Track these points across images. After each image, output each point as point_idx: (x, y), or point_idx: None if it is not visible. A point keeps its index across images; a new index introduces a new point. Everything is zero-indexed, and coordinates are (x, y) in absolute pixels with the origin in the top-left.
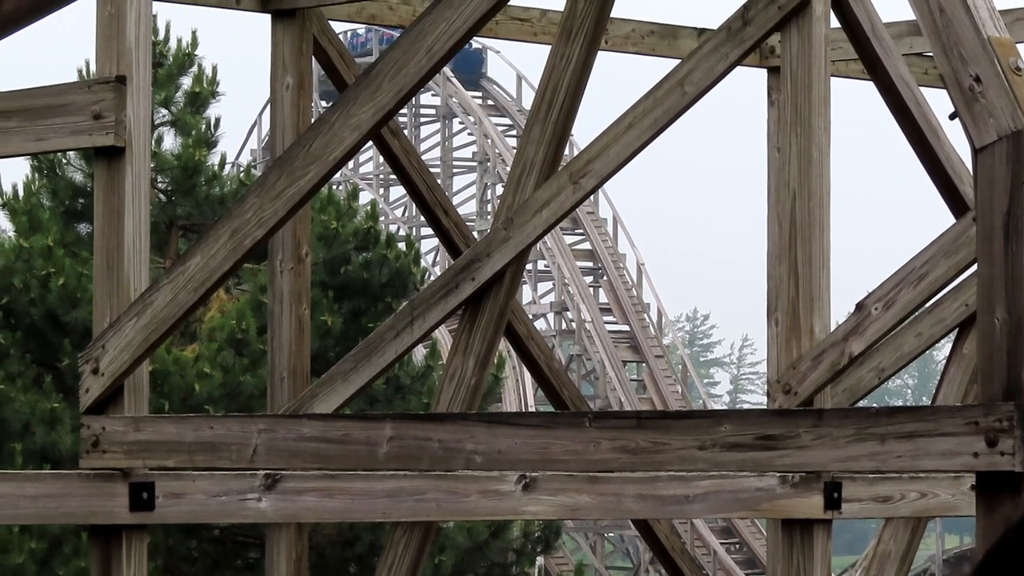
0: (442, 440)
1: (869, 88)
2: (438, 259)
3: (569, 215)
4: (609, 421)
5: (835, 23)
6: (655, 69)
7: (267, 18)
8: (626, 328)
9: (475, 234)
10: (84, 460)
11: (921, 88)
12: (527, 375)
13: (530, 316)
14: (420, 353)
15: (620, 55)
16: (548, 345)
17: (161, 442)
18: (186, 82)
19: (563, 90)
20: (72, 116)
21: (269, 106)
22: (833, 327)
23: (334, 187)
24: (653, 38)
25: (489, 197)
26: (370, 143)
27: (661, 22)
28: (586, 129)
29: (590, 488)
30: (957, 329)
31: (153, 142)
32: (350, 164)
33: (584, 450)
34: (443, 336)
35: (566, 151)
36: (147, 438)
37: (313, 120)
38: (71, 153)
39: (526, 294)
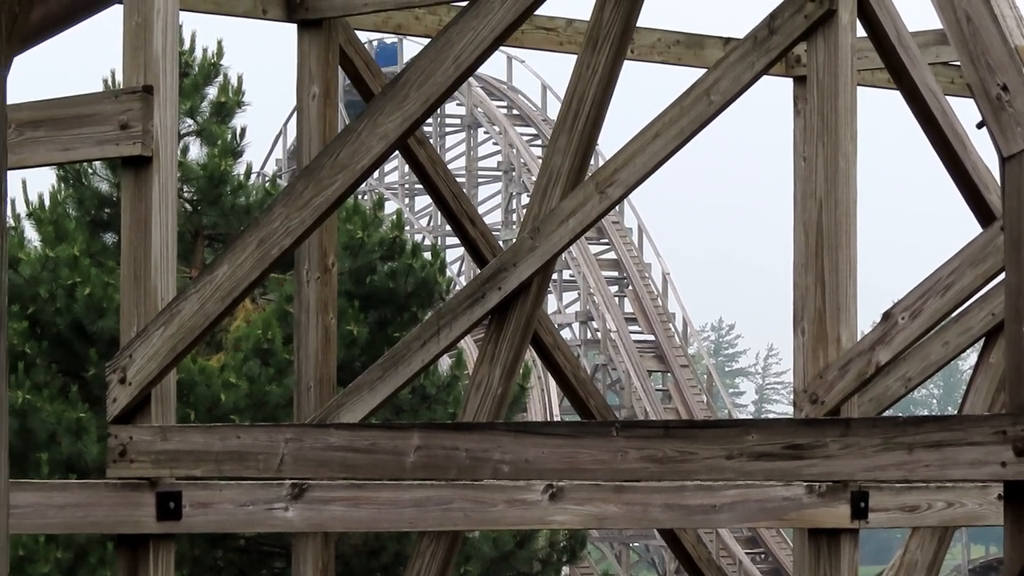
0: (469, 449)
1: (895, 97)
2: (463, 268)
3: (595, 225)
4: (636, 430)
5: (861, 32)
6: (680, 79)
7: (293, 28)
8: (651, 338)
9: (501, 243)
10: (111, 469)
11: (947, 97)
12: (552, 385)
13: (555, 326)
14: (446, 363)
15: (645, 65)
16: (574, 355)
17: (188, 451)
18: (212, 92)
19: (589, 99)
20: (99, 126)
21: (295, 115)
22: (860, 336)
23: (360, 197)
24: (679, 47)
25: (514, 207)
26: (396, 153)
27: (687, 31)
28: (612, 139)
29: (617, 498)
30: (984, 338)
31: (179, 152)
32: (375, 174)
33: (611, 459)
34: (469, 346)
35: (592, 161)
36: (174, 447)
37: (339, 129)
38: (97, 163)
39: (551, 304)
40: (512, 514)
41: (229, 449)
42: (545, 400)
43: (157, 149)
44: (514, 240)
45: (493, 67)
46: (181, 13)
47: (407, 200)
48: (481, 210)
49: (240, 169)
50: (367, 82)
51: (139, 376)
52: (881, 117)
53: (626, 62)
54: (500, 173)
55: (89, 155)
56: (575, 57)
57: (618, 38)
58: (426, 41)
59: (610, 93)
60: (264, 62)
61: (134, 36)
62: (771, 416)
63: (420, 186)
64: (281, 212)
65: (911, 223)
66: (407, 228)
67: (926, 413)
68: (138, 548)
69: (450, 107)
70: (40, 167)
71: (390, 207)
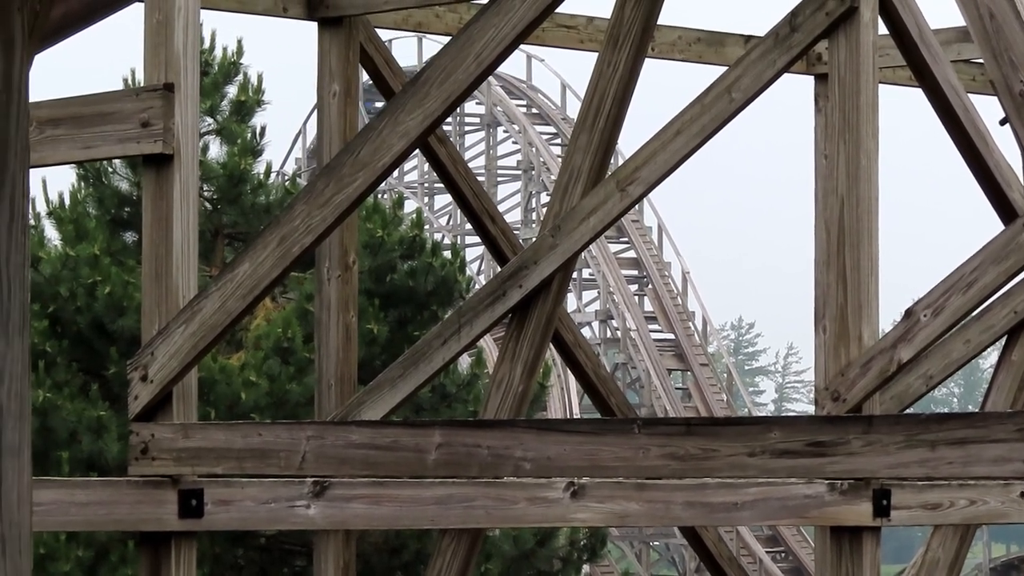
0: (491, 447)
1: (917, 95)
2: (483, 268)
3: (616, 223)
4: (658, 428)
5: (883, 30)
6: (700, 78)
7: (313, 26)
8: (671, 336)
9: (521, 242)
10: (133, 467)
11: (969, 95)
12: (572, 383)
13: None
14: (465, 362)
15: (665, 63)
16: (595, 353)
17: (210, 449)
18: (231, 91)
19: (610, 97)
20: (120, 124)
21: (315, 114)
22: (881, 334)
23: (379, 195)
24: (700, 45)
25: (534, 205)
26: (416, 151)
27: (708, 29)
28: (631, 137)
29: (638, 495)
30: (1006, 336)
31: (199, 150)
32: (395, 173)
33: (633, 456)
34: (488, 345)
35: (611, 159)
36: (196, 445)
37: (360, 128)
38: (117, 161)
39: (571, 302)
40: (534, 512)
41: (251, 447)
42: (565, 399)
43: (178, 147)
44: (534, 238)
45: (513, 66)
46: (201, 11)
47: (427, 199)
48: (500, 209)
49: (260, 168)
50: (387, 80)
51: (161, 374)
52: (903, 115)
53: (647, 60)
54: (519, 172)
55: (110, 153)
56: (596, 55)
57: (639, 36)
58: (446, 39)
59: (631, 91)
60: (283, 61)
61: (155, 34)
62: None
63: (440, 185)
64: (302, 210)
65: (933, 221)
66: (427, 227)
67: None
68: (160, 546)
69: (469, 106)
70: (61, 165)
71: (410, 206)
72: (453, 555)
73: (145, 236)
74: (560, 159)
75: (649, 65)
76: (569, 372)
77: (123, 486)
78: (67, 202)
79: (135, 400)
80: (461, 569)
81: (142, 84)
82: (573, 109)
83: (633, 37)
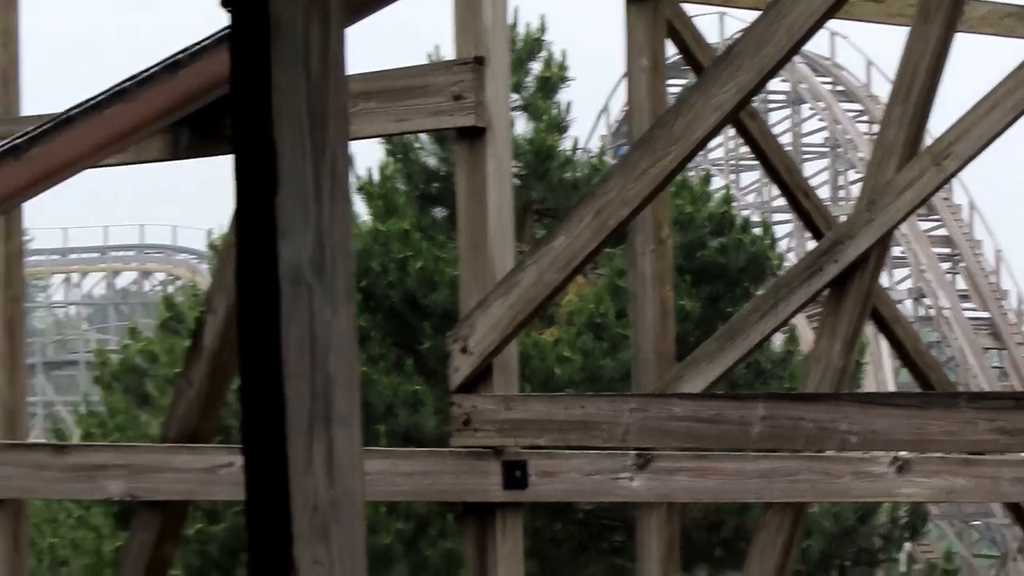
0: (816, 420)
1: None
2: (792, 244)
3: (932, 197)
4: (985, 402)
5: None
6: (1007, 52)
7: (616, 3)
8: (986, 315)
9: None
10: (455, 438)
11: None
12: (886, 360)
13: None
14: (779, 339)
15: (975, 37)
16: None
17: (532, 421)
18: (536, 67)
19: (923, 71)
20: (432, 97)
21: (619, 90)
22: None
23: (686, 173)
24: (1011, 19)
25: (842, 183)
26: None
27: (1019, 3)
28: (938, 113)
29: (964, 470)
30: None
31: None
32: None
33: (961, 431)
34: (801, 323)
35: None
36: (518, 417)
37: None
38: (424, 137)
39: (883, 281)
40: (859, 486)
41: (572, 419)
42: (879, 377)
43: (490, 120)
44: (843, 216)
45: (816, 44)
46: None
47: (732, 176)
48: None
49: (566, 144)
50: (696, 55)
51: (480, 346)
52: None
53: (957, 34)
54: (826, 149)
55: (423, 126)
56: (901, 31)
57: (950, 8)
58: (751, 16)
59: (943, 64)
60: (585, 37)
61: (464, 8)
62: None
63: (746, 162)
64: (617, 183)
65: None
66: (734, 204)
67: None
68: (485, 517)
69: (774, 83)
70: (375, 138)
71: (716, 183)
72: (778, 530)
73: (460, 209)
74: (867, 136)
75: (959, 39)
76: (882, 349)
77: (447, 457)
78: (376, 178)
79: (456, 372)
80: (786, 544)
81: (448, 59)
82: (878, 86)
83: (944, 10)
